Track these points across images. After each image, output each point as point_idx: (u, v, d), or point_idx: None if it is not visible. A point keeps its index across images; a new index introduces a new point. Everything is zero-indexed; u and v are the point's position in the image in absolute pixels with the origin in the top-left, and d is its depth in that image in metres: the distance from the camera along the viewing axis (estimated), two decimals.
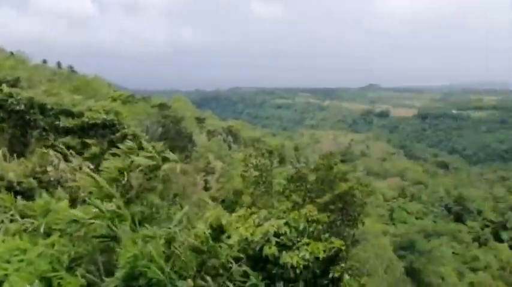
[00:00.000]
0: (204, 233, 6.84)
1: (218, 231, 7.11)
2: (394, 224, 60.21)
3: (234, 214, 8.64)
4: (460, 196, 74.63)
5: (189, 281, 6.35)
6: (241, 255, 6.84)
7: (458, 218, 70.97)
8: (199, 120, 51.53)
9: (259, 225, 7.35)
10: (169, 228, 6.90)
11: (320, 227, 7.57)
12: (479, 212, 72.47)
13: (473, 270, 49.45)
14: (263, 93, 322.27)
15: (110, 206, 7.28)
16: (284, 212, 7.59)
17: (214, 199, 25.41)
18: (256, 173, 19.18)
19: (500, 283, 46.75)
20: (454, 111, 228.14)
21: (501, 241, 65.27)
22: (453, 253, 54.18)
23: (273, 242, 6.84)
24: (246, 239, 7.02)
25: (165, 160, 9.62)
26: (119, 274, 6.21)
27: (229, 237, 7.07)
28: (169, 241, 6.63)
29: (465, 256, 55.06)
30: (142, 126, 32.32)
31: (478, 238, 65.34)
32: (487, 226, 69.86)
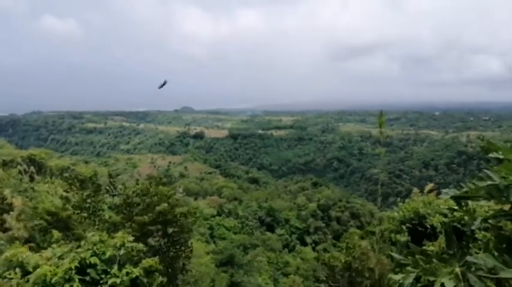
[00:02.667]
0: None
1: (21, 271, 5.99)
2: (214, 241, 62.05)
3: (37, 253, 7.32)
4: (270, 207, 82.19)
5: None
6: None
7: (270, 228, 77.90)
8: None
9: (61, 258, 6.39)
10: None
11: (135, 255, 7.05)
12: (287, 221, 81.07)
13: (286, 275, 54.61)
14: (70, 118, 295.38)
15: None
16: (95, 244, 6.76)
17: (15, 239, 21.62)
18: (78, 199, 17.15)
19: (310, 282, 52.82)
20: (260, 131, 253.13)
21: (306, 244, 74.50)
22: (268, 261, 58.83)
23: (76, 280, 6.00)
24: (45, 280, 5.98)
25: None
26: None
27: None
28: None
29: (278, 262, 60.53)
30: None
31: (287, 244, 72.98)
32: (294, 233, 78.69)
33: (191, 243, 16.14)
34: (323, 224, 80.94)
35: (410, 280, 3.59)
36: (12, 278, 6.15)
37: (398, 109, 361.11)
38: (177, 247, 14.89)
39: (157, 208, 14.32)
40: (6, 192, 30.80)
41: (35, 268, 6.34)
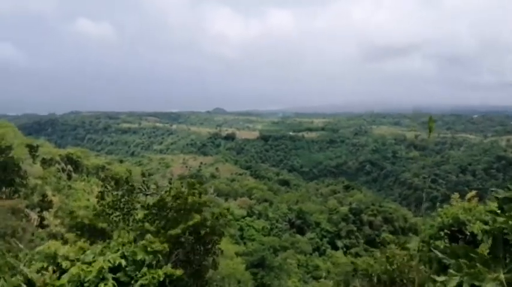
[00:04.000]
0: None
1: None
2: (244, 243, 62.28)
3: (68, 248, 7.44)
4: (301, 210, 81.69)
5: None
6: None
7: (300, 231, 77.43)
8: (32, 149, 45.44)
9: (93, 261, 6.47)
10: None
11: (160, 258, 7.06)
12: (318, 224, 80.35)
13: (316, 278, 54.11)
14: (106, 118, 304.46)
15: None
16: (123, 244, 6.82)
17: (53, 236, 22.39)
18: (113, 199, 17.51)
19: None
20: (291, 133, 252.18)
21: (337, 248, 73.54)
22: (298, 264, 58.48)
23: (110, 279, 6.05)
24: (79, 277, 6.05)
25: None
26: None
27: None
28: None
29: (308, 265, 60.04)
30: None
31: (318, 248, 72.30)
32: (324, 236, 77.88)
33: (218, 242, 16.16)
34: (355, 228, 79.70)
35: (453, 283, 3.44)
36: (45, 274, 6.27)
37: (434, 111, 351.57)
38: (208, 246, 14.95)
39: (190, 223, 14.42)
40: (47, 190, 32.03)
41: (69, 263, 6.45)
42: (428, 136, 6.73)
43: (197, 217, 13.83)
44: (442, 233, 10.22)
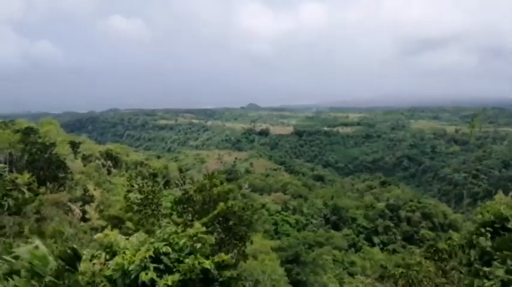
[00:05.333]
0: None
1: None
2: (279, 237, 62.32)
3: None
4: (336, 206, 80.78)
5: None
6: None
7: (336, 227, 76.63)
8: (74, 145, 47.33)
9: (137, 250, 6.66)
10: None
11: (206, 247, 7.16)
12: (354, 220, 79.25)
13: (351, 274, 53.37)
14: (143, 115, 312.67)
15: None
16: (170, 234, 6.96)
17: (94, 229, 23.26)
18: (141, 196, 18.10)
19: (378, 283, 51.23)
20: (326, 128, 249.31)
21: (374, 245, 72.27)
22: (333, 260, 57.92)
23: (151, 268, 6.20)
24: (123, 267, 6.26)
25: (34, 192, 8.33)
26: None
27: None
28: None
29: (344, 262, 59.35)
30: (4, 155, 28.50)
31: (354, 244, 71.33)
32: (361, 233, 76.73)
33: (250, 236, 16.30)
34: (392, 225, 78.06)
35: (500, 272, 3.36)
36: (95, 263, 6.54)
37: (475, 105, 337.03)
38: (237, 238, 15.15)
39: (215, 212, 14.61)
40: (89, 184, 33.31)
41: (123, 251, 6.69)
42: (470, 132, 6.51)
43: (222, 206, 13.99)
44: (483, 230, 9.84)
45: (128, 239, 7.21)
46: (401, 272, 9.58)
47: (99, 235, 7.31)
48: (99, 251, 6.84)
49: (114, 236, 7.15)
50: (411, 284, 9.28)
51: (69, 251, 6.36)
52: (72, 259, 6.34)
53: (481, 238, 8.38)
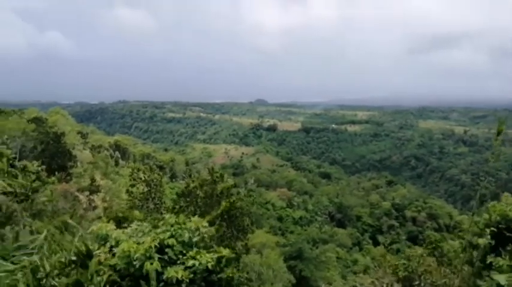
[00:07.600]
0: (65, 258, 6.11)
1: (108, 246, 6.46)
2: (283, 234, 62.40)
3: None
4: (341, 204, 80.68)
5: None
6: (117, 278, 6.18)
7: (341, 225, 76.53)
8: (82, 136, 47.76)
9: (141, 238, 6.74)
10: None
11: (208, 240, 7.24)
12: (359, 218, 79.10)
13: (355, 273, 53.31)
14: (152, 107, 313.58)
15: None
16: (172, 225, 7.04)
17: (100, 219, 23.51)
18: (145, 189, 18.23)
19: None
20: (334, 126, 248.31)
21: (378, 243, 72.11)
22: (337, 257, 57.89)
23: (156, 259, 6.29)
24: (129, 256, 6.33)
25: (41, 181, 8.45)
26: None
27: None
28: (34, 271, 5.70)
29: (347, 259, 59.32)
30: (17, 144, 28.81)
31: (358, 242, 71.22)
32: (366, 231, 76.59)
33: (251, 227, 16.40)
34: (397, 224, 77.84)
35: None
36: (99, 253, 6.63)
37: (486, 106, 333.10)
38: (240, 229, 15.26)
39: (218, 211, 14.72)
40: (96, 174, 33.59)
41: (117, 243, 6.77)
42: (495, 139, 6.44)
43: (225, 204, 14.09)
44: (487, 231, 9.82)
45: (123, 231, 7.27)
46: (403, 263, 9.63)
47: (93, 227, 7.38)
48: (96, 244, 6.91)
49: (108, 227, 7.22)
50: (411, 277, 9.31)
51: (84, 247, 6.47)
52: (85, 257, 6.44)
53: (481, 239, 8.36)
